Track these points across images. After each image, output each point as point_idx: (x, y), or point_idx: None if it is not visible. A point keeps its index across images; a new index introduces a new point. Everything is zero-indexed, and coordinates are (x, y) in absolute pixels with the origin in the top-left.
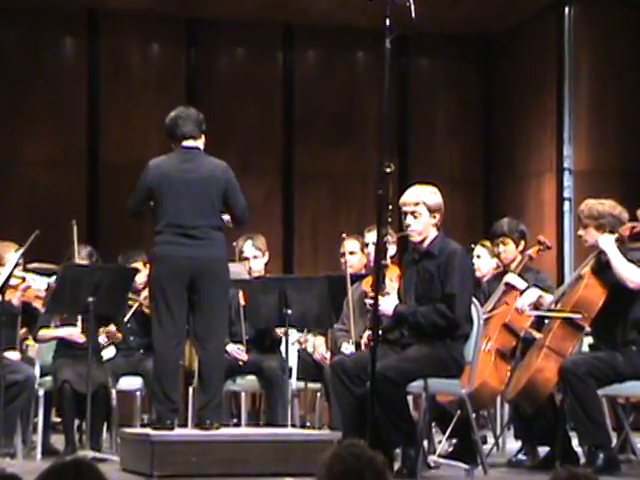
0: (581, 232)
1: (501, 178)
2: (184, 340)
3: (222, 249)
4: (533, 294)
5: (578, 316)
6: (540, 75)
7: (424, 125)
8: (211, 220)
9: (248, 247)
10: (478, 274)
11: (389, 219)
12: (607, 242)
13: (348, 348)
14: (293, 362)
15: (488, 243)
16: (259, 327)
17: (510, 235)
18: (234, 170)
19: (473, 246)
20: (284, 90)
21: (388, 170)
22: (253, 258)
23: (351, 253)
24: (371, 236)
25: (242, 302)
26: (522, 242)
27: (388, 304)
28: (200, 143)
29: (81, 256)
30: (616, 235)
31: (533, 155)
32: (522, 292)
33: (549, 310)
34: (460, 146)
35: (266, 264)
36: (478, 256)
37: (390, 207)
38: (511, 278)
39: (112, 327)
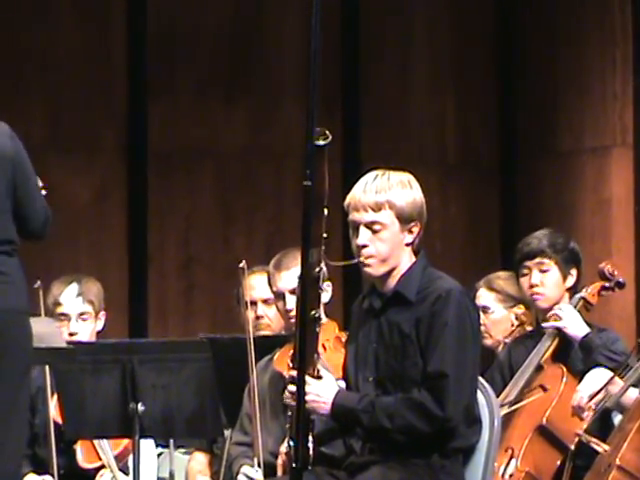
0: None
1: (532, 159)
2: None
3: (19, 291)
4: (598, 379)
5: None
6: None
7: (390, 64)
8: None
9: (69, 296)
10: (488, 342)
11: (324, 234)
12: None
13: (252, 474)
14: None
15: (506, 278)
16: (85, 438)
17: (553, 255)
18: (36, 143)
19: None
20: None
21: (321, 142)
22: (78, 317)
23: (264, 302)
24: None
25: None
26: (573, 271)
27: (323, 393)
28: None
29: None
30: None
31: (590, 116)
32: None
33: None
34: (458, 103)
35: (100, 332)
36: (485, 309)
37: (326, 211)
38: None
39: None
